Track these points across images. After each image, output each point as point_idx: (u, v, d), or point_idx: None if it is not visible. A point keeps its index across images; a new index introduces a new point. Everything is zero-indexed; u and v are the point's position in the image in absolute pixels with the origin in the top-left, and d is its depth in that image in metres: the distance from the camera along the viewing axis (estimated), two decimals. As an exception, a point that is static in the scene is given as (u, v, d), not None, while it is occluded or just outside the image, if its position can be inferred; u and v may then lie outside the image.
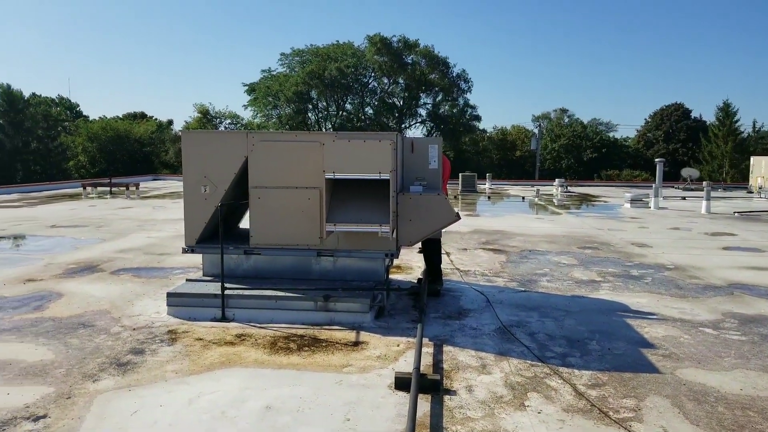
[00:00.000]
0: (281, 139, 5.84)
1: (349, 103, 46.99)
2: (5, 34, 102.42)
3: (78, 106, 57.65)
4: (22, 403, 3.61)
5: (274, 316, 5.30)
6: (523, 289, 6.79)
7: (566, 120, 57.32)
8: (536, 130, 50.92)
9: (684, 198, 21.90)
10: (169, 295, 5.54)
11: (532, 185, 29.65)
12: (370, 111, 47.10)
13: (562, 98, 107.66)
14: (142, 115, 55.97)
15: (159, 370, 4.15)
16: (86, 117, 54.07)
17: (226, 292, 5.36)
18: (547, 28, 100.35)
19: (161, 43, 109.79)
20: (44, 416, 3.44)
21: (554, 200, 20.94)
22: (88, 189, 20.59)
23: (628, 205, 17.96)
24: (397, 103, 47.36)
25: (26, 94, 48.43)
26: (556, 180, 26.01)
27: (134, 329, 5.08)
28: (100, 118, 50.91)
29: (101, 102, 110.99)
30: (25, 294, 6.31)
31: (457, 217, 5.82)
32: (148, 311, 5.64)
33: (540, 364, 4.38)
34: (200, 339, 4.82)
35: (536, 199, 20.96)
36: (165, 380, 3.97)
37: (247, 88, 46.88)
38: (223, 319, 5.31)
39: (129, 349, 4.58)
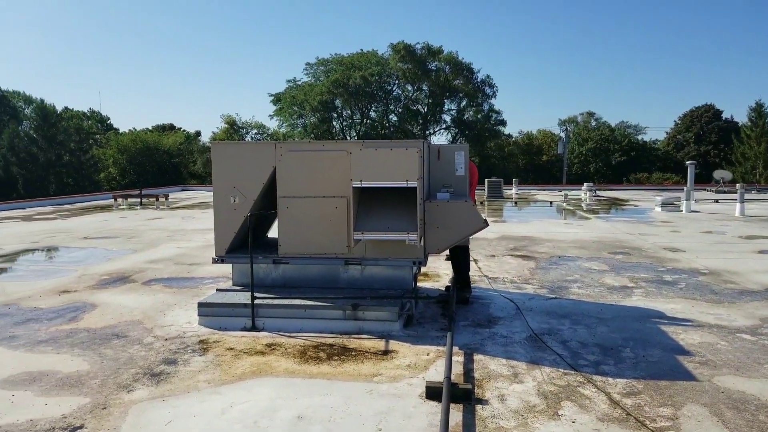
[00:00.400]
0: (309, 149, 5.87)
1: (374, 110, 47.26)
2: (38, 50, 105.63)
3: (109, 119, 59.17)
4: (60, 414, 3.68)
5: (304, 325, 5.32)
6: (553, 296, 6.69)
7: (593, 123, 56.63)
8: (563, 134, 50.36)
9: (717, 201, 21.39)
10: (200, 305, 5.61)
11: (560, 190, 29.30)
12: (395, 118, 47.28)
13: (588, 101, 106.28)
14: (171, 127, 57.09)
15: (191, 380, 4.19)
16: (116, 129, 55.39)
17: (256, 301, 5.40)
18: (573, 30, 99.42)
19: (189, 56, 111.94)
20: (81, 427, 3.50)
21: (583, 205, 20.66)
22: (119, 200, 21.05)
23: (659, 209, 17.62)
24: (422, 109, 47.44)
25: (59, 108, 49.93)
26: (585, 184, 25.67)
27: (166, 339, 5.15)
28: (129, 130, 52.05)
29: (131, 114, 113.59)
30: (60, 305, 6.46)
31: (485, 224, 5.77)
32: (179, 321, 5.72)
33: (573, 372, 4.30)
34: (231, 349, 4.86)
35: (564, 203, 20.70)
36: (198, 390, 4.01)
37: (273, 98, 47.58)
38: (254, 328, 5.35)
39: (162, 359, 4.64)
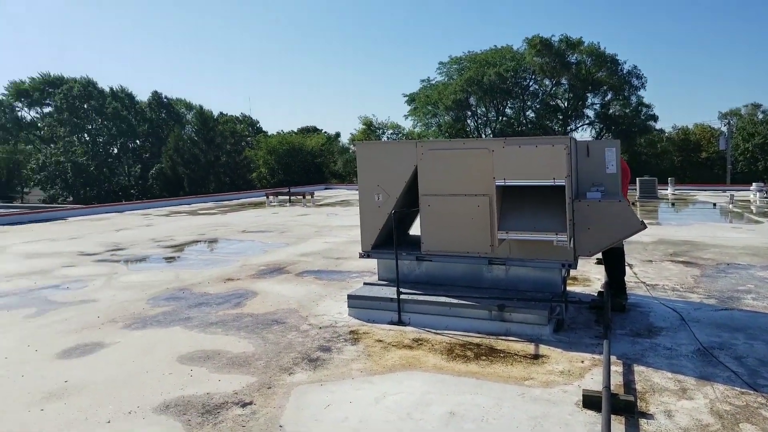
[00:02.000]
0: (449, 147, 5.86)
1: (509, 107, 46.15)
2: (197, 62, 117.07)
3: (258, 122, 63.87)
4: (231, 390, 4.04)
5: (449, 323, 5.33)
6: (723, 306, 6.04)
7: (760, 116, 50.29)
8: (725, 129, 45.41)
9: None
10: (349, 297, 5.86)
11: (724, 190, 26.44)
12: (532, 114, 45.77)
13: (753, 92, 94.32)
14: (314, 129, 60.28)
15: (345, 367, 4.39)
16: (265, 132, 59.67)
17: (402, 297, 5.52)
18: (731, 13, 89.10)
19: (329, 61, 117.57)
20: (250, 403, 3.82)
21: (752, 207, 18.47)
22: (270, 198, 22.65)
23: None
24: (561, 105, 45.43)
25: (215, 113, 54.94)
26: (753, 184, 22.92)
27: (320, 328, 5.45)
28: (277, 132, 55.86)
29: (278, 118, 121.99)
30: (226, 292, 7.10)
31: (643, 226, 5.36)
32: (330, 312, 6.02)
33: (752, 392, 3.86)
34: (380, 341, 5.01)
35: (730, 205, 18.66)
36: (351, 378, 4.19)
37: (407, 98, 48.32)
38: (400, 322, 5.48)
39: (317, 346, 4.92)
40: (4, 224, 16.75)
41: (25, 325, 5.85)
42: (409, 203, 6.22)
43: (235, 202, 24.12)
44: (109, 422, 3.62)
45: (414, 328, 5.35)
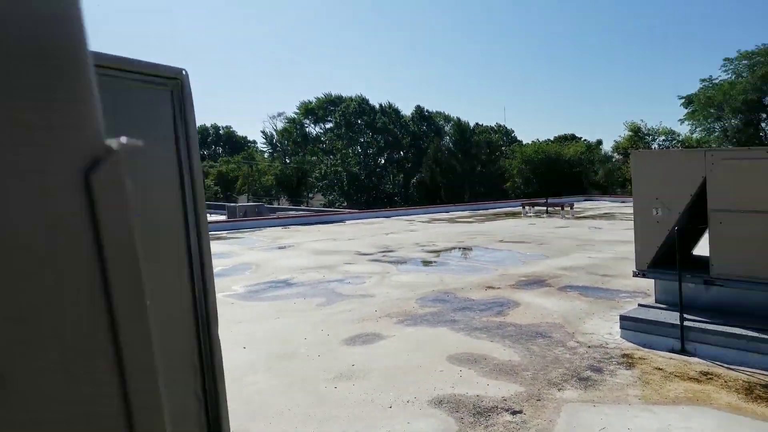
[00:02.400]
0: (749, 157, 5.11)
1: (825, 107, 37.89)
2: (456, 75, 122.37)
3: (513, 132, 64.02)
4: (500, 396, 4.12)
5: (745, 359, 4.62)
6: None
7: None
8: None
9: None
10: (621, 318, 5.50)
11: None
12: None
13: None
14: (572, 137, 57.99)
15: (620, 392, 4.12)
16: (520, 142, 59.47)
17: (686, 323, 4.96)
18: None
19: (590, 64, 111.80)
20: (520, 412, 3.84)
21: None
22: (527, 208, 22.47)
23: None
24: None
25: (471, 124, 56.77)
26: None
27: (589, 347, 5.21)
28: (532, 142, 55.18)
29: (532, 127, 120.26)
30: (488, 299, 7.27)
31: None
32: (599, 331, 5.71)
33: None
34: (659, 369, 4.58)
35: None
36: (628, 404, 3.91)
37: (683, 100, 43.24)
38: (683, 351, 4.93)
39: (587, 365, 4.72)
40: (297, 224, 19.86)
41: (318, 312, 6.84)
42: (692, 219, 5.59)
43: (490, 211, 24.55)
44: (390, 407, 4.00)
45: (700, 359, 4.76)
